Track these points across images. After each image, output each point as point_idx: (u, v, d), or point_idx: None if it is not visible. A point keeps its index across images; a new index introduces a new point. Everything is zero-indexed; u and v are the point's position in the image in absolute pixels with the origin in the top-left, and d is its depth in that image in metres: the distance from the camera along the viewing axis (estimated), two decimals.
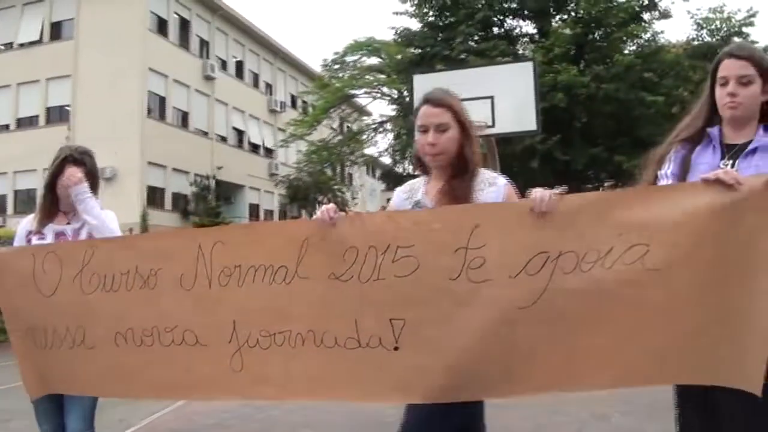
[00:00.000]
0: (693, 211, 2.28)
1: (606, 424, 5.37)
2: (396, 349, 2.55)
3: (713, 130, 2.57)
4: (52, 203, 3.54)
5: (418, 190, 2.80)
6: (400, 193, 2.89)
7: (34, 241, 3.46)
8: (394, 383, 2.57)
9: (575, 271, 2.36)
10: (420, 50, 20.44)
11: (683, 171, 2.56)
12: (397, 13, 21.10)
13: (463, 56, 18.91)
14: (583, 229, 2.38)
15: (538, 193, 2.40)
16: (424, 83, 13.83)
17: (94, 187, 3.55)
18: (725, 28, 19.10)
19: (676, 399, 2.58)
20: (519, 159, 18.18)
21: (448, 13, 20.08)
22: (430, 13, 20.53)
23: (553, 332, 2.40)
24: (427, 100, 2.73)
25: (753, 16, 18.98)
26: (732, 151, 2.50)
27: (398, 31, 21.11)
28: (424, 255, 2.51)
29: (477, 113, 12.66)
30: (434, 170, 2.76)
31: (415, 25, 21.70)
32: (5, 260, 3.26)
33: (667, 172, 2.59)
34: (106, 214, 3.49)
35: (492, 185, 2.67)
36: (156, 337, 2.94)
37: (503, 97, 13.04)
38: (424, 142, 2.68)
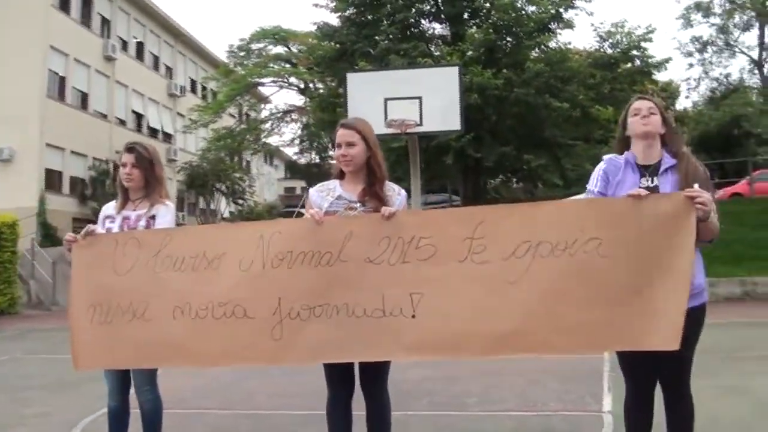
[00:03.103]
0: (630, 216, 3.27)
1: (540, 388, 6.76)
2: (413, 317, 3.42)
3: (629, 155, 3.57)
4: (123, 192, 4.23)
5: (334, 188, 3.78)
6: (316, 192, 3.83)
7: (107, 224, 4.15)
8: (409, 344, 3.43)
9: (549, 255, 3.32)
10: (340, 45, 21.46)
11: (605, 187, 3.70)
12: (317, 6, 22.03)
13: (382, 54, 20.11)
14: (555, 225, 3.36)
15: None
16: (357, 81, 15.03)
17: (150, 176, 4.20)
18: (626, 42, 21.25)
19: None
20: (434, 154, 19.58)
21: (367, 11, 21.18)
22: (351, 9, 21.55)
23: (533, 300, 3.33)
24: (342, 125, 3.82)
25: (651, 32, 21.23)
26: (648, 170, 3.51)
27: (319, 26, 22.06)
28: (440, 243, 3.44)
29: (406, 112, 13.98)
30: (348, 175, 3.78)
31: (333, 19, 22.74)
32: (91, 243, 3.91)
33: (594, 189, 3.65)
34: (165, 209, 4.18)
35: (399, 194, 3.79)
36: (210, 311, 3.60)
37: (430, 97, 14.27)
38: (338, 154, 3.77)
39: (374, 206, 3.67)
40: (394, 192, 3.80)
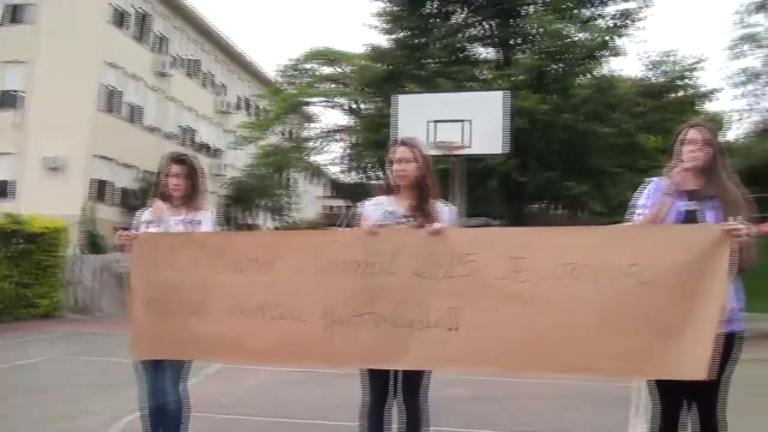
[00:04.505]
0: (669, 244, 3.41)
1: (571, 411, 6.79)
2: (456, 329, 3.59)
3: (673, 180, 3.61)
4: (164, 200, 4.42)
5: (386, 203, 4.00)
6: (369, 205, 4.06)
7: (151, 228, 4.33)
8: (451, 355, 3.64)
9: (590, 278, 3.42)
10: (390, 66, 21.72)
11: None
12: (368, 26, 22.37)
13: (430, 77, 20.32)
14: (597, 250, 3.50)
15: None
16: (405, 102, 15.27)
17: (195, 185, 4.40)
18: (675, 71, 21.11)
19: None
20: (478, 177, 19.62)
21: (418, 34, 21.43)
22: (401, 32, 21.84)
23: (570, 323, 3.44)
24: (402, 142, 4.05)
25: (701, 61, 21.11)
26: (692, 196, 3.54)
27: (372, 47, 22.37)
28: (482, 260, 3.63)
29: (453, 134, 14.12)
30: (402, 190, 3.98)
31: (383, 40, 23.04)
32: (154, 240, 4.19)
33: (647, 203, 3.67)
34: (209, 215, 4.38)
35: (447, 210, 3.97)
36: (263, 311, 3.86)
37: (477, 121, 14.48)
38: (396, 169, 3.97)
39: (422, 221, 3.84)
40: (443, 209, 3.96)
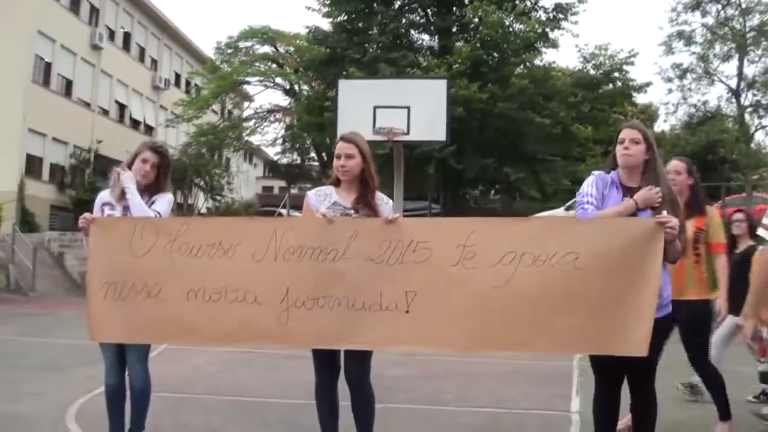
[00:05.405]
0: (605, 234, 3.71)
1: (512, 388, 7.26)
2: (407, 312, 3.84)
3: (614, 175, 3.94)
4: None
5: (330, 194, 4.18)
6: (314, 196, 4.22)
7: (107, 211, 4.40)
8: (402, 336, 3.88)
9: (532, 265, 3.72)
10: (330, 50, 21.87)
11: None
12: (309, 9, 22.44)
13: (371, 61, 20.59)
14: (538, 239, 3.78)
15: None
16: (348, 88, 15.46)
17: (160, 179, 4.49)
18: (608, 64, 21.95)
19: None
20: (416, 163, 20.03)
21: (359, 19, 21.64)
22: (343, 15, 21.99)
23: (515, 305, 3.74)
24: (342, 138, 4.24)
25: (633, 56, 22.00)
26: (630, 192, 3.83)
27: (311, 30, 22.46)
28: (435, 248, 3.85)
29: (394, 120, 14.45)
30: (343, 183, 4.20)
31: (324, 24, 23.15)
32: (111, 224, 4.26)
33: (592, 191, 3.92)
34: (163, 195, 4.49)
35: (386, 203, 4.23)
36: (223, 295, 3.98)
37: (417, 108, 14.73)
38: (338, 164, 4.17)
39: (366, 213, 4.11)
40: (383, 201, 4.24)
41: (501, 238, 3.87)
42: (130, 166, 4.53)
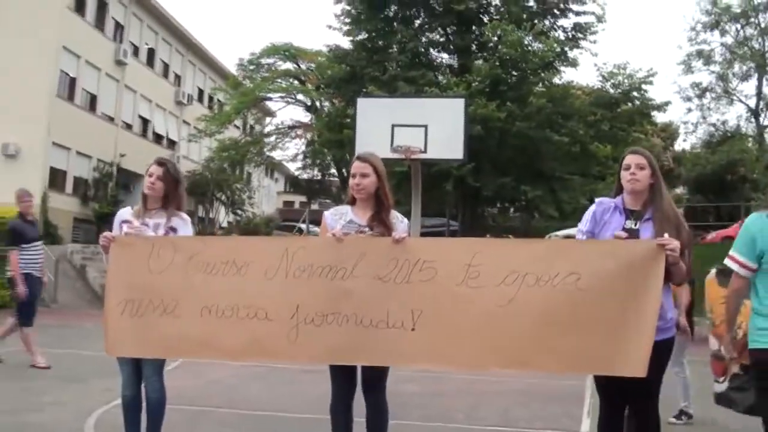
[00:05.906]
0: (607, 256, 3.79)
1: (522, 408, 7.31)
2: (413, 330, 3.92)
3: (618, 200, 4.05)
4: (144, 200, 4.65)
5: (346, 213, 4.32)
6: (330, 215, 4.37)
7: (125, 228, 4.50)
8: (408, 353, 3.96)
9: (534, 285, 3.81)
10: (350, 68, 22.12)
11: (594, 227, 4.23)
12: (330, 28, 22.73)
13: (391, 80, 20.80)
14: (541, 260, 3.87)
15: None
16: (366, 105, 15.61)
17: (169, 191, 4.62)
18: (627, 83, 22.00)
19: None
20: (434, 180, 20.15)
21: (379, 38, 21.89)
22: (363, 34, 22.26)
23: (518, 324, 3.83)
24: (358, 158, 4.38)
25: (652, 75, 22.06)
26: (634, 215, 3.96)
27: (331, 48, 22.75)
28: (440, 267, 3.95)
29: (412, 138, 14.55)
30: (359, 201, 4.33)
31: (344, 42, 23.43)
32: (130, 242, 4.37)
33: (584, 228, 4.16)
34: (183, 222, 4.63)
35: (402, 222, 4.35)
36: (235, 312, 4.08)
37: (435, 126, 14.81)
38: (353, 183, 4.33)
39: (381, 231, 4.22)
40: (398, 219, 4.36)
41: (505, 258, 3.97)
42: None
